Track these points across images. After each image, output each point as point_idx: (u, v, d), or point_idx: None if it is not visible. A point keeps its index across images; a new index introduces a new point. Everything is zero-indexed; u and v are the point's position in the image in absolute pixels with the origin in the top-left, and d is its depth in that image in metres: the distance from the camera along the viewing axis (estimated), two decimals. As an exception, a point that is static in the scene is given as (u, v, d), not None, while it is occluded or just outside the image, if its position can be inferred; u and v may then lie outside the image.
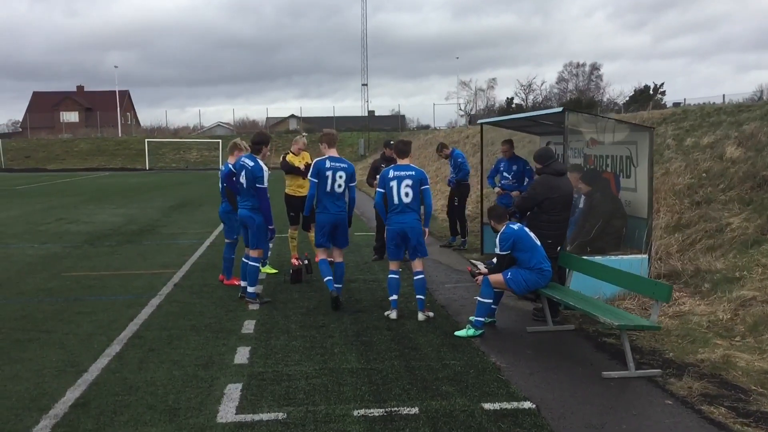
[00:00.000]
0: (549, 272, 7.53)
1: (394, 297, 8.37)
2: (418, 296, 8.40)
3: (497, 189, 11.98)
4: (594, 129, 9.39)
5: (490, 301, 7.52)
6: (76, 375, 6.37)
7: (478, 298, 7.57)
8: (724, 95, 36.13)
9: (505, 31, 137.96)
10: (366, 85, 73.48)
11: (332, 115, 79.95)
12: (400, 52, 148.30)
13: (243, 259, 9.50)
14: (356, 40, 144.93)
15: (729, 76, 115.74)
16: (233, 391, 5.92)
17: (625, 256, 8.82)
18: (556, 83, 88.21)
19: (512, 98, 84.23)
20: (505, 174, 12.01)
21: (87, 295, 9.72)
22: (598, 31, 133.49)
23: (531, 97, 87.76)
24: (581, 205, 9.44)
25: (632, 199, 9.26)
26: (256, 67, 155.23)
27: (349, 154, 66.07)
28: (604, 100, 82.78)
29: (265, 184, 9.06)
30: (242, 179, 9.09)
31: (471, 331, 7.49)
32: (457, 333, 7.55)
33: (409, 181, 8.16)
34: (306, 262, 10.68)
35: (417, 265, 8.41)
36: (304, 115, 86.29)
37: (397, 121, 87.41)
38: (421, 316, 8.29)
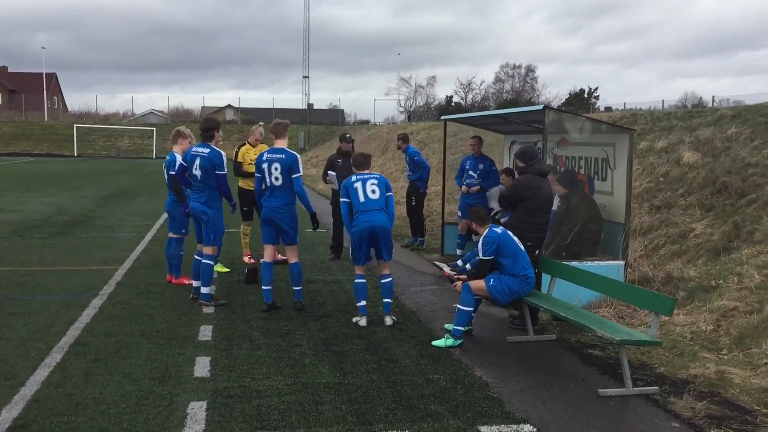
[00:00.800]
0: (533, 279, 7.10)
1: (363, 303, 7.81)
2: (385, 300, 7.87)
3: (463, 188, 11.53)
4: (573, 129, 9.01)
5: (471, 309, 7.04)
6: (11, 390, 5.57)
7: (459, 306, 7.08)
8: (663, 101, 36.87)
9: (444, 29, 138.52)
10: (307, 77, 72.27)
11: (271, 106, 78.60)
12: (339, 47, 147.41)
13: (195, 256, 8.78)
14: (295, 32, 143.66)
15: (655, 83, 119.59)
16: (197, 411, 5.24)
17: (601, 262, 8.48)
18: (493, 83, 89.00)
19: (452, 96, 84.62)
20: (470, 172, 11.57)
21: (18, 294, 8.82)
22: (534, 34, 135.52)
23: (470, 96, 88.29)
24: (555, 208, 9.06)
25: (608, 203, 8.94)
26: (192, 55, 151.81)
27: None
28: (541, 101, 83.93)
29: (225, 170, 8.38)
30: (196, 170, 8.36)
31: (450, 341, 6.99)
32: (434, 343, 7.04)
33: (374, 181, 7.74)
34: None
35: (384, 267, 7.87)
36: (242, 105, 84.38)
37: (336, 115, 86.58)
38: (388, 320, 7.78)
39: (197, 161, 8.34)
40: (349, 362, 6.46)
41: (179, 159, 9.16)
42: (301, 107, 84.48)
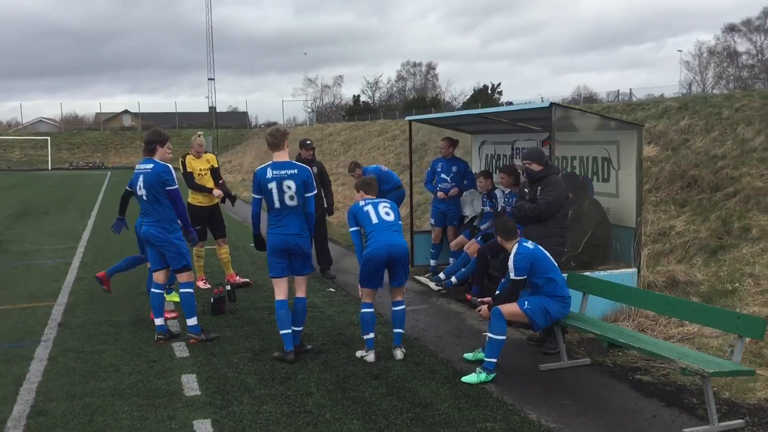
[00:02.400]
0: (570, 299, 6.29)
1: (371, 335, 6.79)
2: (396, 330, 6.88)
3: (439, 194, 10.63)
4: (577, 126, 8.26)
5: (504, 337, 6.14)
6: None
7: (489, 335, 6.16)
8: (581, 94, 37.31)
9: (345, 29, 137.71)
10: (212, 79, 69.64)
11: (172, 110, 75.53)
12: (239, 48, 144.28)
13: (153, 290, 7.52)
14: (191, 33, 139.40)
15: (547, 78, 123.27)
16: (226, 503, 4.12)
17: (614, 271, 7.78)
18: (396, 81, 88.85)
19: (359, 96, 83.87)
20: (443, 176, 10.66)
21: (-59, 347, 7.31)
22: (432, 32, 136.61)
23: (377, 94, 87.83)
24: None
25: (613, 205, 8.25)
26: (82, 59, 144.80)
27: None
28: (446, 98, 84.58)
29: (177, 185, 7.19)
30: (140, 189, 7.17)
31: (483, 376, 6.08)
32: (465, 379, 6.10)
33: (387, 204, 6.86)
34: (228, 287, 8.79)
35: (398, 293, 6.89)
36: (142, 111, 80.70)
37: (240, 118, 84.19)
38: (399, 354, 6.79)
39: (140, 180, 7.14)
40: (379, 413, 5.45)
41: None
42: (203, 111, 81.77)
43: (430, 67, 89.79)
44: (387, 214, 6.69)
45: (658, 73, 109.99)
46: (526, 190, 7.22)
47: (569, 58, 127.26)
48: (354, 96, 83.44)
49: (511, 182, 9.31)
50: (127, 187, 7.96)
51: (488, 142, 11.00)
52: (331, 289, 9.95)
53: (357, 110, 74.71)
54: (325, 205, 10.71)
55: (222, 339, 7.45)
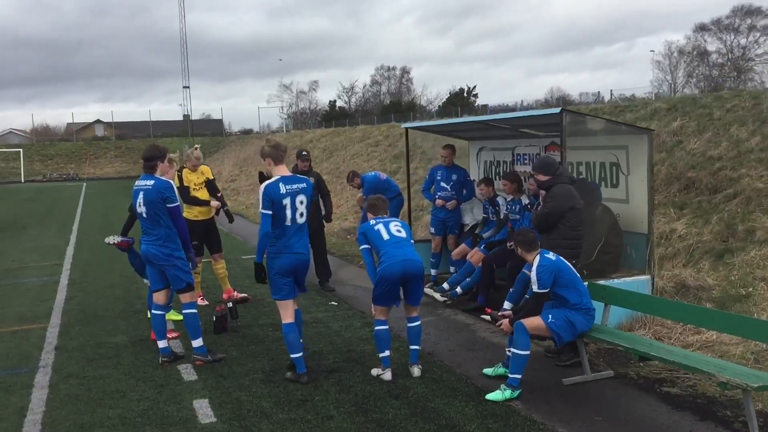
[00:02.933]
0: (594, 311, 6.12)
1: (386, 353, 6.56)
2: (413, 347, 6.68)
3: (437, 201, 10.43)
4: (588, 131, 8.12)
5: (528, 352, 5.94)
6: None
7: (513, 350, 5.96)
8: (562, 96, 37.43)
9: (319, 34, 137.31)
10: (188, 87, 68.92)
11: (145, 119, 74.68)
12: (212, 55, 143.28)
13: (153, 311, 7.25)
14: (163, 41, 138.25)
15: (521, 80, 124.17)
16: None
17: (628, 278, 7.63)
18: (370, 86, 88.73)
19: (335, 101, 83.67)
20: (443, 184, 10.46)
21: (-67, 376, 6.96)
22: (406, 36, 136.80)
23: (353, 99, 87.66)
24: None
25: (623, 211, 8.11)
26: (52, 69, 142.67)
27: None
28: (422, 102, 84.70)
29: (178, 202, 6.93)
30: (140, 207, 6.89)
31: (508, 393, 5.88)
32: (490, 397, 5.90)
33: (398, 223, 6.69)
34: (230, 305, 8.52)
35: (413, 309, 6.69)
36: (116, 120, 79.58)
37: (216, 125, 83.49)
38: (417, 371, 6.58)
39: (140, 197, 6.86)
40: (407, 436, 5.23)
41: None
42: (177, 119, 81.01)
43: (405, 71, 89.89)
44: (398, 231, 6.50)
45: (629, 73, 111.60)
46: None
47: (542, 60, 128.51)
48: (330, 101, 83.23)
49: (513, 189, 9.15)
50: (129, 210, 7.61)
51: (487, 148, 10.84)
52: (333, 303, 9.71)
53: (333, 115, 74.49)
54: (323, 213, 10.51)
55: (229, 359, 7.19)
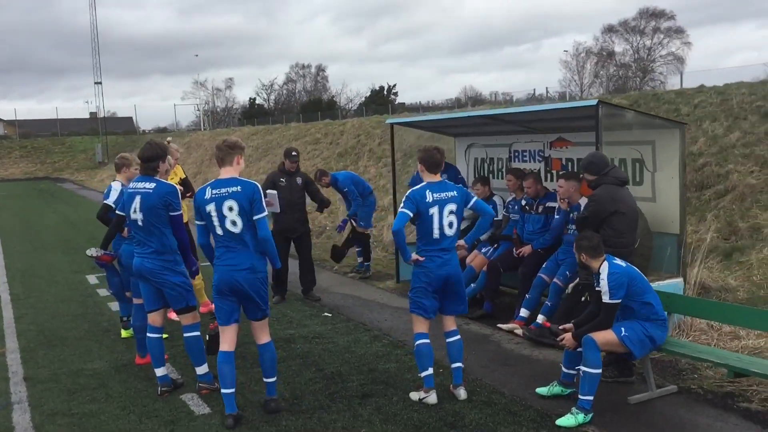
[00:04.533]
0: (666, 321, 5.57)
1: (430, 371, 5.80)
2: (455, 365, 5.93)
3: None
4: (620, 124, 7.58)
5: (600, 371, 5.33)
6: None
7: (584, 369, 5.32)
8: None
9: (232, 31, 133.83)
10: (100, 83, 65.45)
11: (54, 117, 70.60)
12: (118, 51, 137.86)
13: (149, 334, 6.26)
14: (66, 36, 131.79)
15: (434, 79, 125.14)
16: None
17: (661, 282, 7.15)
18: (285, 84, 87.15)
19: (254, 98, 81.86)
20: (431, 186, 9.80)
21: None
22: (320, 34, 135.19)
23: (272, 97, 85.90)
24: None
25: (648, 211, 7.61)
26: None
27: (84, 162, 58.85)
28: (341, 101, 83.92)
29: (181, 210, 5.98)
30: (135, 213, 5.91)
31: (581, 417, 5.25)
32: (561, 423, 5.25)
33: (453, 207, 5.74)
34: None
35: (451, 322, 5.97)
36: (18, 118, 75.04)
37: (126, 123, 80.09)
38: (463, 393, 5.85)
39: (136, 201, 5.88)
40: (491, 476, 4.52)
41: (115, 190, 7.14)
42: (82, 116, 77.26)
43: (320, 69, 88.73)
44: (450, 225, 5.72)
45: (536, 72, 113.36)
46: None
47: (454, 60, 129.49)
48: (251, 99, 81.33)
49: (517, 186, 8.59)
50: (118, 212, 6.56)
51: (477, 145, 10.22)
52: (327, 314, 8.87)
53: (253, 113, 72.73)
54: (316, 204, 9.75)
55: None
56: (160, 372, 6.17)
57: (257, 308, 5.50)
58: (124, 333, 7.97)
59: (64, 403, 5.99)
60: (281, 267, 6.16)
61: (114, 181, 7.52)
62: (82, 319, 8.95)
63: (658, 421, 5.34)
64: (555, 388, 5.82)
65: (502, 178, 9.54)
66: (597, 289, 5.56)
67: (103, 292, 10.50)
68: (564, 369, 5.79)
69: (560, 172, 8.70)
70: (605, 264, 5.47)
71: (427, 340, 5.81)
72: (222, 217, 5.30)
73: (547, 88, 52.45)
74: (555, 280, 7.71)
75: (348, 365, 6.83)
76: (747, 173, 10.71)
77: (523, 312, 7.94)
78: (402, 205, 5.71)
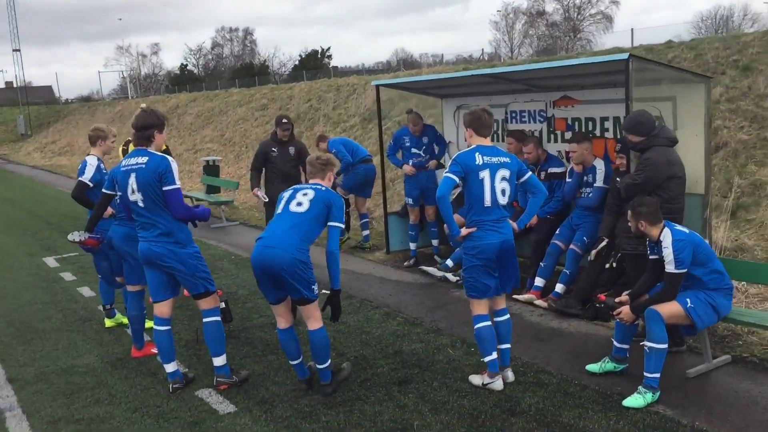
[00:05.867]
0: (733, 289, 5.22)
1: (493, 356, 5.29)
2: (503, 346, 5.45)
3: (407, 168, 9.25)
4: (649, 79, 7.14)
5: (666, 346, 4.94)
6: None
7: (649, 344, 4.92)
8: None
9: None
10: (18, 50, 61.93)
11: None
12: (28, 17, 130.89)
13: (156, 327, 5.57)
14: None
15: (365, 42, 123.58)
16: None
17: (688, 245, 6.81)
18: (211, 49, 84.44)
19: (186, 65, 79.05)
20: (414, 150, 9.25)
21: None
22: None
23: (201, 62, 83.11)
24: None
25: (670, 170, 7.23)
26: None
27: (5, 134, 55.77)
28: (275, 63, 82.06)
29: (178, 183, 5.27)
30: (133, 193, 5.22)
31: (649, 396, 4.87)
32: (629, 403, 4.85)
33: (506, 173, 5.19)
34: (223, 305, 6.90)
35: (502, 300, 5.48)
36: None
37: (46, 92, 76.37)
38: (510, 375, 5.41)
39: (132, 180, 5.18)
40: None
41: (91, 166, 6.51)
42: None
43: (248, 32, 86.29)
44: (503, 192, 5.19)
45: (467, 33, 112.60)
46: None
47: (383, 22, 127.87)
48: (181, 65, 78.49)
49: (518, 150, 8.14)
50: (105, 190, 5.84)
51: (467, 106, 9.65)
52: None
53: (182, 79, 70.19)
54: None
55: (256, 377, 5.69)
56: (170, 368, 5.51)
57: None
58: (108, 322, 7.24)
59: (64, 408, 5.29)
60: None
61: (89, 155, 6.75)
62: (53, 307, 8.13)
63: (728, 395, 5.01)
64: (607, 365, 5.44)
65: (498, 141, 9.07)
66: (652, 257, 5.17)
67: (68, 276, 9.67)
68: (616, 344, 5.41)
69: (565, 133, 8.28)
70: (666, 231, 5.06)
71: (488, 323, 5.29)
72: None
73: (483, 49, 51.89)
74: (572, 246, 7.33)
75: (369, 348, 6.30)
76: (737, 129, 10.51)
77: (539, 281, 7.55)
78: (447, 169, 5.15)
